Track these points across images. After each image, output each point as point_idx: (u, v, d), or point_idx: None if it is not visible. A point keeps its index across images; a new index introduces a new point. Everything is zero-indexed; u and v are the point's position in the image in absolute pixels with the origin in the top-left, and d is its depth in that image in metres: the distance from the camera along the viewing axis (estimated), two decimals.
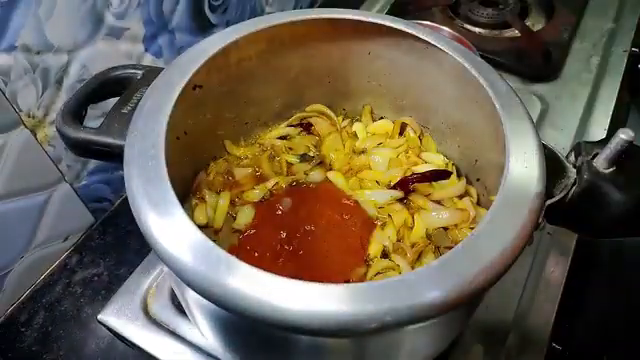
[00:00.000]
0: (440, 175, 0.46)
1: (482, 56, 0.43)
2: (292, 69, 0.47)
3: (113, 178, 0.62)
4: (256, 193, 0.46)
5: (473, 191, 0.45)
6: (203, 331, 0.43)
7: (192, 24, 0.64)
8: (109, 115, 0.38)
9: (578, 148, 0.36)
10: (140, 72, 0.41)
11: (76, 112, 0.38)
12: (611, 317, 0.58)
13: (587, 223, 0.35)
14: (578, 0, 0.86)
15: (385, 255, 0.43)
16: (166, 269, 0.30)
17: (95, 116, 0.52)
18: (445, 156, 0.49)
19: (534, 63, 0.74)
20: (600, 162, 0.34)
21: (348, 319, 0.27)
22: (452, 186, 0.45)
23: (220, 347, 0.44)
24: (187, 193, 0.45)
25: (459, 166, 0.48)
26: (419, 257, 0.42)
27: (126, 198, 0.31)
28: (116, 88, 0.41)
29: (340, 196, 0.46)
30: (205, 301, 0.28)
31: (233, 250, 0.43)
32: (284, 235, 0.43)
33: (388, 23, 0.43)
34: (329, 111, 0.51)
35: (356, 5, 0.89)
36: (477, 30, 0.80)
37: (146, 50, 0.60)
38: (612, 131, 0.33)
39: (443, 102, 0.46)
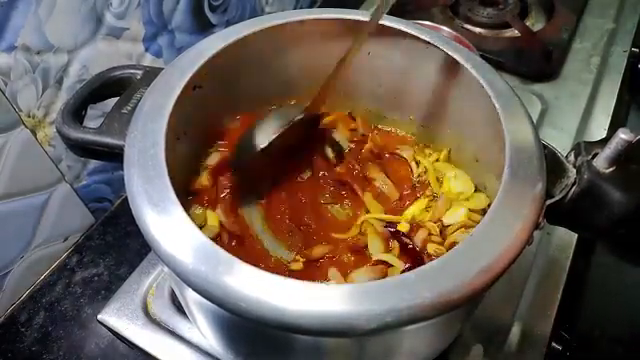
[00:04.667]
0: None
1: (482, 56, 0.43)
2: (292, 69, 0.47)
3: (113, 178, 0.62)
4: None
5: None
6: (203, 331, 0.43)
7: (192, 24, 0.64)
8: (109, 115, 0.38)
9: (578, 148, 0.36)
10: (140, 72, 0.41)
11: (76, 112, 0.38)
12: (611, 317, 0.58)
13: (587, 223, 0.35)
14: (578, 0, 0.86)
15: None
16: (166, 269, 0.30)
17: (95, 116, 0.52)
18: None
19: (534, 63, 0.74)
20: (600, 162, 0.34)
21: (348, 319, 0.27)
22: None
23: (220, 347, 0.44)
24: (187, 193, 0.45)
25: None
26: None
27: (126, 198, 0.31)
28: (116, 88, 0.41)
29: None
30: (205, 301, 0.28)
31: None
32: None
33: (388, 23, 0.43)
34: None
35: (356, 5, 0.89)
36: (477, 30, 0.80)
37: (146, 50, 0.60)
38: (612, 131, 0.33)
39: (443, 102, 0.46)
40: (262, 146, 0.40)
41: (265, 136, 0.41)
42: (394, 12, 0.83)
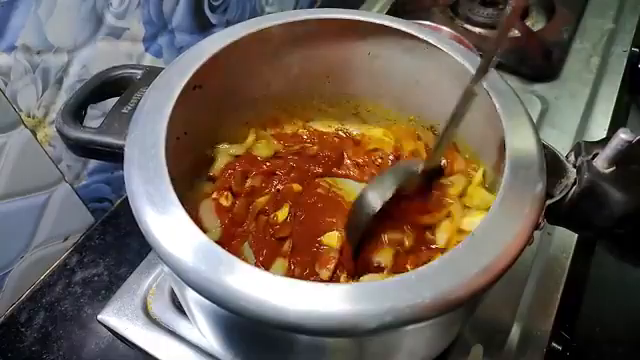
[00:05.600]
0: None
1: (482, 56, 0.43)
2: (292, 69, 0.47)
3: (113, 178, 0.62)
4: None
5: None
6: (203, 331, 0.43)
7: (192, 24, 0.64)
8: (109, 115, 0.38)
9: (578, 148, 0.36)
10: (140, 72, 0.41)
11: (76, 112, 0.38)
12: (611, 317, 0.58)
13: (587, 223, 0.35)
14: (578, 0, 0.86)
15: None
16: (166, 269, 0.30)
17: (95, 116, 0.52)
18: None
19: (534, 63, 0.74)
20: (600, 162, 0.34)
21: (348, 319, 0.27)
22: None
23: (220, 347, 0.44)
24: (187, 193, 0.45)
25: None
26: None
27: (126, 198, 0.31)
28: (116, 88, 0.41)
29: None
30: (205, 301, 0.28)
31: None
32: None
33: (388, 23, 0.43)
34: None
35: (356, 5, 0.89)
36: (477, 30, 0.80)
37: (146, 50, 0.60)
38: (612, 131, 0.33)
39: (443, 102, 0.45)
40: (375, 211, 0.38)
41: (378, 197, 0.38)
42: (394, 12, 0.84)
